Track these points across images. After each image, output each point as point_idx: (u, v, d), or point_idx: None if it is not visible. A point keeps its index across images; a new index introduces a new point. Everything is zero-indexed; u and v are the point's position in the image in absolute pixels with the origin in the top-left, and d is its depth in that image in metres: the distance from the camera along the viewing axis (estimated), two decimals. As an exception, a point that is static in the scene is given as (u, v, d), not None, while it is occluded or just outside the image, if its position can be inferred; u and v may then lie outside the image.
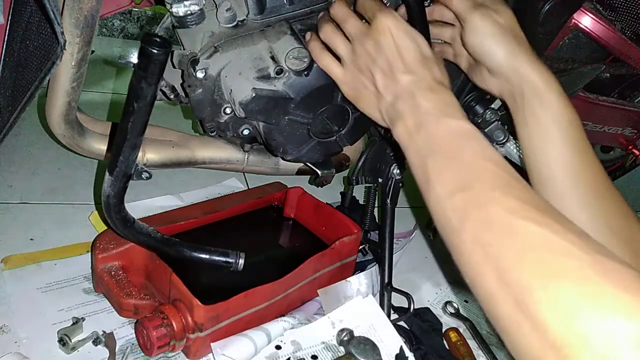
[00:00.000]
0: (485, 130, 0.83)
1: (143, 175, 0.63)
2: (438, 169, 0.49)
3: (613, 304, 0.34)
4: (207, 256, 0.71)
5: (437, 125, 0.51)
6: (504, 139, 0.82)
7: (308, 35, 0.67)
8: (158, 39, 0.51)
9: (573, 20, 0.93)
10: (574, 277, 0.36)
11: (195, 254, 0.71)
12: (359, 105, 0.63)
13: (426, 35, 0.70)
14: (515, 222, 0.41)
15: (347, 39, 0.62)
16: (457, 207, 0.45)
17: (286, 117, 0.68)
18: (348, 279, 0.86)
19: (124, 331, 0.76)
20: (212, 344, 0.72)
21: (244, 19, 0.67)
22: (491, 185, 0.45)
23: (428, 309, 0.92)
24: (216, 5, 0.66)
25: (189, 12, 0.64)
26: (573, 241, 0.39)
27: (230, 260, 0.71)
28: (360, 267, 0.94)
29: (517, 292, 0.38)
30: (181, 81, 0.68)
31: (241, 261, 0.71)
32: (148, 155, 0.77)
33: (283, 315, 0.81)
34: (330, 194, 1.11)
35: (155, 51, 0.51)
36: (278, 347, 0.75)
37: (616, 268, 0.37)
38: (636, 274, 0.37)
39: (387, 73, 0.57)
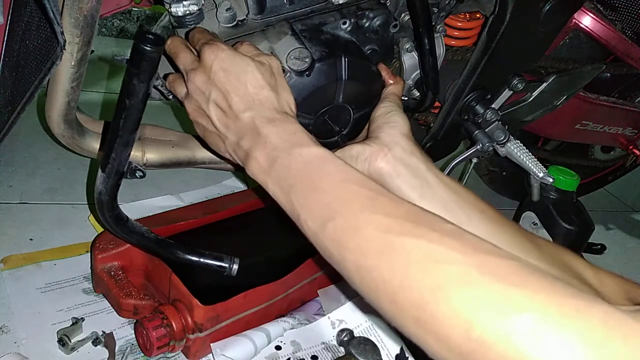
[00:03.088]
0: (486, 130, 0.83)
1: (137, 174, 0.63)
2: (302, 202, 0.48)
3: (504, 302, 0.35)
4: (201, 259, 0.69)
5: (290, 157, 0.49)
6: (504, 138, 0.82)
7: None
8: (151, 36, 0.51)
9: (573, 20, 0.93)
10: (461, 284, 0.36)
11: (189, 257, 0.69)
12: (211, 146, 0.59)
13: (432, 51, 0.71)
14: (390, 240, 0.41)
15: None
16: (332, 237, 0.45)
17: (286, 117, 0.68)
18: (348, 279, 0.85)
19: (124, 331, 0.75)
20: (211, 345, 0.72)
21: (244, 19, 0.67)
22: (358, 207, 0.44)
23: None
24: (216, 5, 0.66)
25: (187, 12, 0.64)
26: (452, 246, 0.39)
27: (224, 265, 0.69)
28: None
29: (412, 311, 0.38)
30: (181, 81, 0.68)
31: (235, 266, 0.70)
32: (148, 155, 0.77)
33: (283, 316, 0.81)
34: (330, 194, 1.11)
35: (147, 48, 0.51)
36: (278, 348, 0.75)
37: (500, 264, 0.37)
38: (520, 264, 0.37)
39: (223, 111, 0.54)
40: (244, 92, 0.53)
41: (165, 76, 0.64)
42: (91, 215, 0.96)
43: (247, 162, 0.53)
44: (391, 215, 0.42)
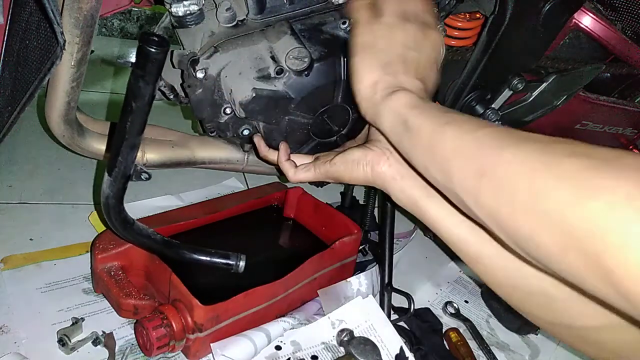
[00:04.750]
0: (486, 130, 0.82)
1: (142, 176, 0.63)
2: (458, 118, 0.49)
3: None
4: (208, 258, 0.71)
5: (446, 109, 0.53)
6: (504, 139, 0.82)
7: None
8: (156, 38, 0.51)
9: (573, 20, 0.93)
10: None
11: (196, 256, 0.71)
12: (354, 57, 0.61)
13: None
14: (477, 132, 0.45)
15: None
16: (489, 133, 0.46)
17: (286, 117, 0.68)
18: (348, 279, 0.86)
19: (124, 331, 0.75)
20: (211, 345, 0.72)
21: (244, 19, 0.67)
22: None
23: (428, 309, 0.92)
24: (216, 5, 0.66)
25: (188, 12, 0.64)
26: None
27: (231, 263, 0.71)
28: (360, 268, 0.94)
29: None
30: (181, 81, 0.68)
31: (242, 263, 0.71)
32: (148, 155, 0.77)
33: (283, 316, 0.81)
34: (330, 194, 1.11)
35: (153, 50, 0.51)
36: (278, 348, 0.75)
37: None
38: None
39: (409, 67, 0.59)
40: (431, 80, 0.61)
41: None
42: (91, 215, 0.96)
43: (396, 94, 0.55)
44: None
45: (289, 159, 0.68)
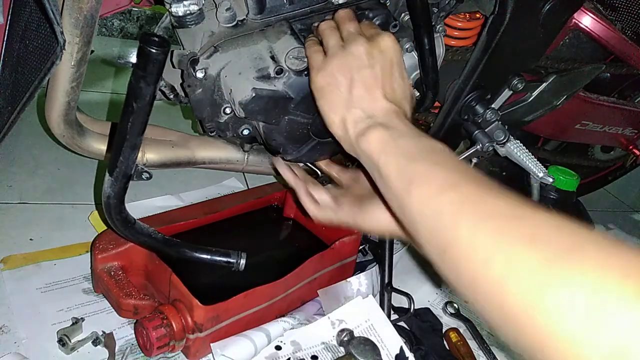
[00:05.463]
0: (486, 130, 0.83)
1: (143, 176, 0.63)
2: (423, 172, 0.49)
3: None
4: (209, 256, 0.71)
5: (417, 139, 0.52)
6: (504, 138, 0.82)
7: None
8: (157, 39, 0.51)
9: (573, 20, 0.93)
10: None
11: (197, 255, 0.71)
12: (318, 102, 0.61)
13: (432, 51, 0.72)
14: (447, 194, 0.44)
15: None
16: (451, 201, 0.45)
17: (286, 117, 0.68)
18: (348, 279, 0.86)
19: (124, 331, 0.75)
20: (211, 345, 0.72)
21: (244, 19, 0.67)
22: (480, 184, 0.45)
23: (428, 309, 0.92)
24: (216, 5, 0.66)
25: (188, 11, 0.64)
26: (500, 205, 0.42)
27: (232, 261, 0.71)
28: (360, 267, 0.94)
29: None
30: (181, 81, 0.68)
31: (242, 261, 0.71)
32: (148, 155, 0.77)
33: (283, 316, 0.81)
34: (330, 194, 1.11)
35: (153, 50, 0.51)
36: (278, 348, 0.75)
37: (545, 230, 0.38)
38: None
39: (369, 87, 0.57)
40: (399, 85, 0.58)
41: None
42: (91, 215, 0.96)
43: (365, 134, 0.54)
44: (454, 171, 0.46)
45: (309, 194, 0.67)
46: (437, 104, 0.83)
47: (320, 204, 0.66)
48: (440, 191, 0.45)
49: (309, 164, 0.81)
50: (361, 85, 0.57)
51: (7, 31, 0.68)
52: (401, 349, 0.77)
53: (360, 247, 0.96)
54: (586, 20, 0.94)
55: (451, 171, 0.47)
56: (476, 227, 0.41)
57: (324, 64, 0.60)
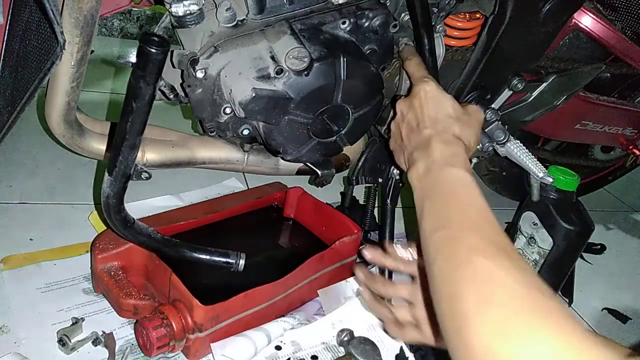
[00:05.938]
0: (486, 130, 0.82)
1: (143, 176, 0.63)
2: (429, 209, 0.55)
3: (527, 334, 0.38)
4: (208, 257, 0.71)
5: (440, 172, 0.57)
6: (504, 138, 0.82)
7: None
8: (156, 38, 0.51)
9: (573, 20, 0.93)
10: (503, 306, 0.40)
11: (196, 255, 0.71)
12: (394, 155, 0.70)
13: (432, 51, 0.73)
14: (470, 256, 0.46)
15: None
16: (435, 242, 0.50)
17: (286, 117, 0.68)
18: (348, 279, 0.86)
19: (124, 331, 0.75)
20: (211, 345, 0.72)
21: (244, 19, 0.67)
22: (465, 225, 0.50)
23: (428, 309, 0.92)
24: (216, 5, 0.66)
25: (188, 11, 0.64)
26: (515, 276, 0.43)
27: (231, 261, 0.71)
28: (360, 267, 0.94)
29: (457, 309, 0.43)
30: (181, 81, 0.68)
31: (242, 262, 0.71)
32: (148, 155, 0.77)
33: (283, 316, 0.81)
34: (330, 194, 1.11)
35: (153, 50, 0.51)
36: (278, 348, 0.75)
37: (549, 306, 0.40)
38: (569, 315, 0.39)
39: (412, 128, 0.65)
40: (434, 116, 0.63)
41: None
42: (91, 215, 0.96)
43: (410, 168, 0.61)
44: (486, 239, 0.48)
45: (394, 320, 0.67)
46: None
47: (403, 325, 0.66)
48: (432, 231, 0.52)
49: (308, 164, 0.81)
50: (406, 130, 0.66)
51: (7, 31, 0.68)
52: (401, 349, 0.77)
53: (360, 247, 0.96)
54: (586, 20, 0.94)
55: (450, 210, 0.53)
56: (441, 269, 0.48)
57: (391, 132, 0.71)
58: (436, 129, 0.62)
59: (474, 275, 0.44)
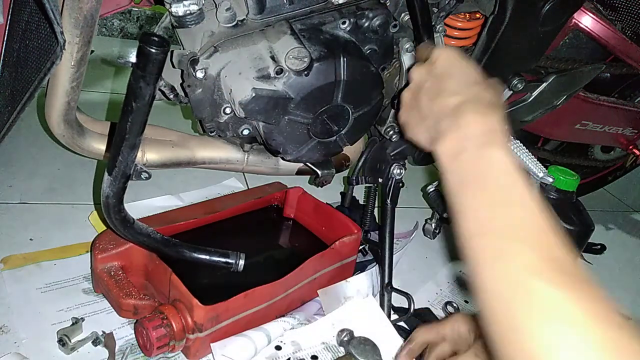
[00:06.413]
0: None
1: (142, 176, 0.63)
2: (466, 203, 0.47)
3: None
4: (207, 257, 0.71)
5: (478, 154, 0.48)
6: (504, 139, 0.82)
7: None
8: (156, 38, 0.51)
9: (573, 20, 0.93)
10: (576, 350, 0.36)
11: (196, 255, 0.71)
12: (407, 133, 0.61)
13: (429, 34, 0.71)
14: (527, 280, 0.39)
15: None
16: (477, 249, 0.44)
17: (286, 117, 0.68)
18: (348, 279, 0.85)
19: (124, 331, 0.75)
20: (211, 345, 0.72)
21: (244, 19, 0.67)
22: (516, 235, 0.42)
23: (428, 309, 0.92)
24: (216, 5, 0.66)
25: (188, 11, 0.64)
26: (586, 309, 0.37)
27: (231, 261, 0.71)
28: (360, 267, 0.94)
29: (520, 347, 0.38)
30: (181, 81, 0.68)
31: (241, 262, 0.71)
32: (148, 155, 0.77)
33: (283, 316, 0.81)
34: (330, 194, 1.11)
35: (153, 50, 0.51)
36: (278, 348, 0.75)
37: (629, 349, 0.36)
38: None
39: (434, 93, 0.55)
40: (460, 80, 0.54)
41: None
42: (91, 215, 0.96)
43: (438, 141, 0.51)
44: (543, 256, 0.40)
45: None
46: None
47: None
48: (473, 234, 0.45)
49: (308, 164, 0.81)
50: (426, 99, 0.57)
51: (7, 31, 0.68)
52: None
53: (360, 247, 0.96)
54: (586, 20, 0.94)
55: (495, 210, 0.45)
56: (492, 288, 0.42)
57: (402, 113, 0.62)
58: (466, 95, 0.52)
59: (537, 307, 0.38)
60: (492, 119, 0.50)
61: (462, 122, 0.50)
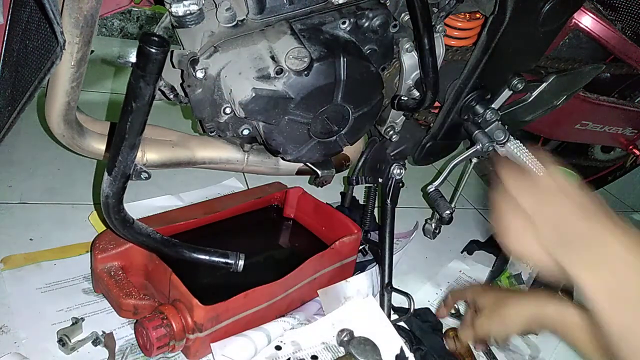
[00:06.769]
0: (486, 130, 0.83)
1: (142, 176, 0.63)
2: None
3: None
4: (207, 257, 0.71)
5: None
6: (504, 138, 0.82)
7: None
8: (156, 38, 0.51)
9: (573, 20, 0.93)
10: None
11: (195, 255, 0.71)
12: (510, 237, 0.53)
13: (432, 51, 0.71)
14: None
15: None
16: None
17: (286, 117, 0.68)
18: (348, 279, 0.86)
19: (124, 331, 0.75)
20: (211, 345, 0.72)
21: (244, 19, 0.67)
22: None
23: (428, 309, 0.92)
24: (216, 5, 0.66)
25: (188, 11, 0.64)
26: None
27: (230, 262, 0.71)
28: (360, 267, 0.94)
29: None
30: (181, 81, 0.68)
31: (241, 262, 0.71)
32: (148, 155, 0.77)
33: (283, 316, 0.81)
34: (330, 194, 1.11)
35: (153, 50, 0.51)
36: (278, 348, 0.75)
37: None
38: None
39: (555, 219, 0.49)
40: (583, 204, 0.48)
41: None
42: (91, 215, 0.96)
43: (577, 273, 0.44)
44: None
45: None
46: (437, 104, 0.83)
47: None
48: None
49: (308, 164, 0.81)
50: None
51: (7, 31, 0.68)
52: (401, 349, 0.77)
53: (360, 247, 0.96)
54: (586, 20, 0.94)
55: None
56: None
57: (496, 207, 0.55)
58: (593, 215, 0.46)
59: None
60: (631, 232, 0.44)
61: (606, 249, 0.44)
